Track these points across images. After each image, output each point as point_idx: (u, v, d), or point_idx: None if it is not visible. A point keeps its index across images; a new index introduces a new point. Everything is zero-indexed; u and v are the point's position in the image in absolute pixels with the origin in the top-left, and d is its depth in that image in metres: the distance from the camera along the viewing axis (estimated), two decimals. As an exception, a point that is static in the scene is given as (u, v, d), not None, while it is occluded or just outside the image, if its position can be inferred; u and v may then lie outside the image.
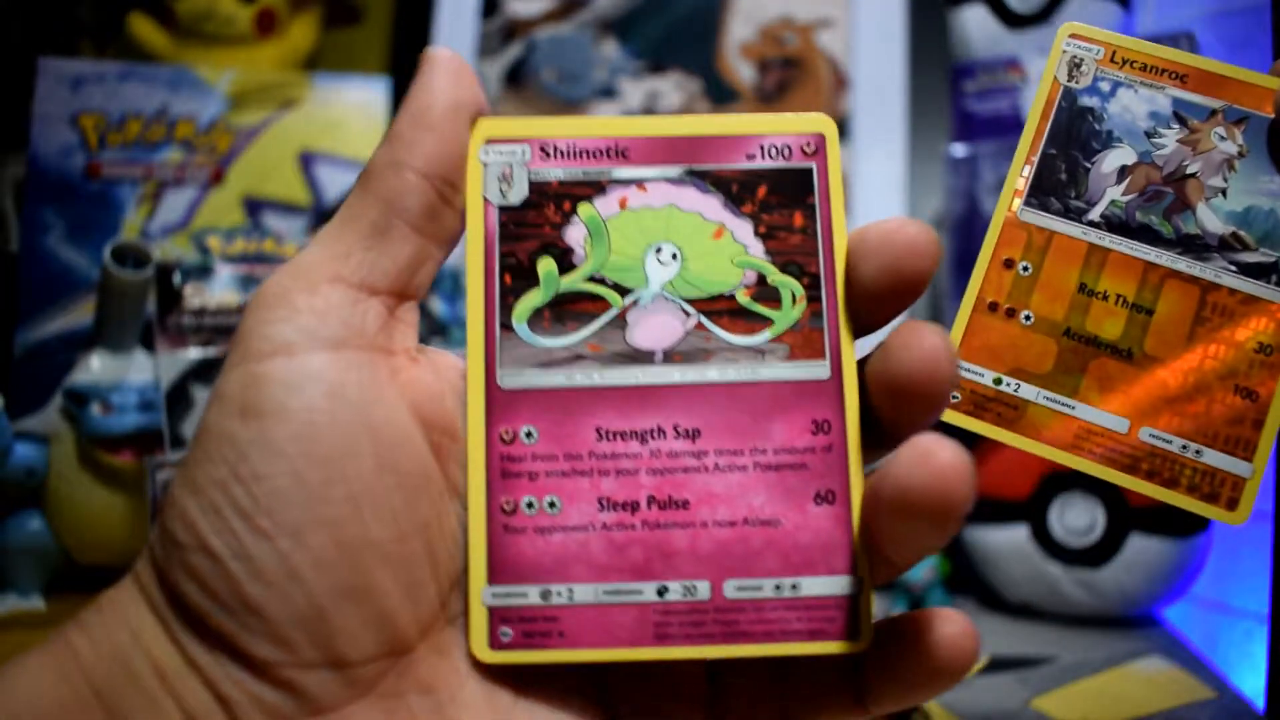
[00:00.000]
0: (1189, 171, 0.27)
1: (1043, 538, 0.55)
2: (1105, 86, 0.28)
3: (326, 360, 0.20)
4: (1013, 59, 0.65)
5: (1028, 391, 0.26)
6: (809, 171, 0.23)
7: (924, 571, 0.56)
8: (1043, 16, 0.66)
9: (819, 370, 0.22)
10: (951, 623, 0.21)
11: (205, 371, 0.51)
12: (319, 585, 0.20)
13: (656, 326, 0.22)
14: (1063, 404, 0.26)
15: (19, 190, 0.70)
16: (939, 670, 0.21)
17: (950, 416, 0.26)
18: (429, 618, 0.21)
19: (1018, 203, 0.28)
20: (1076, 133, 0.28)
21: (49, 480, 0.55)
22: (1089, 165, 0.28)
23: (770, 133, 0.23)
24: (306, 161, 0.71)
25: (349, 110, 0.72)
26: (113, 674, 0.20)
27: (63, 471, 0.55)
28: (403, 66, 0.82)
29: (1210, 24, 0.60)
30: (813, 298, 0.22)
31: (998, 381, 0.26)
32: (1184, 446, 0.26)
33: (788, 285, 0.22)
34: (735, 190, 0.22)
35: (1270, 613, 0.40)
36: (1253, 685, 0.46)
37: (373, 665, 0.21)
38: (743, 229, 0.22)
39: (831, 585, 0.21)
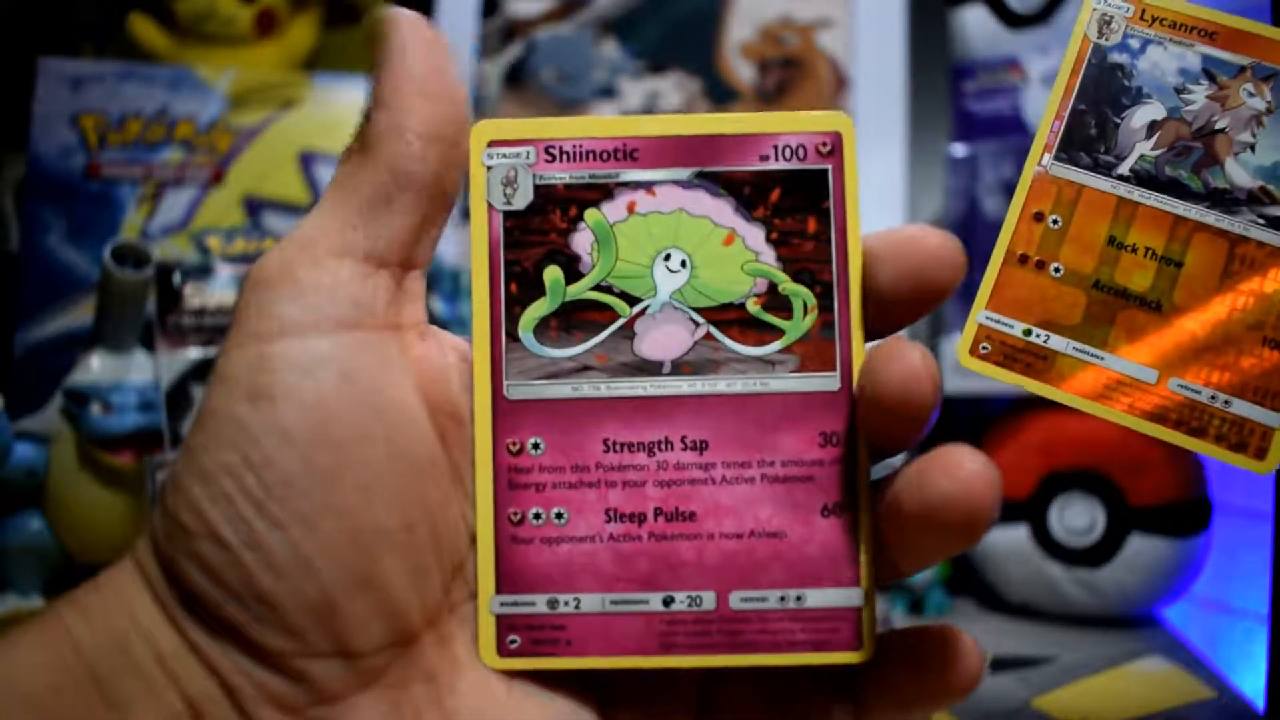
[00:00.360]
0: (1218, 127, 0.28)
1: (1043, 538, 0.55)
2: (1135, 43, 0.28)
3: (338, 342, 0.20)
4: (1013, 59, 0.65)
5: (1057, 343, 0.26)
6: (824, 174, 0.22)
7: (924, 571, 0.57)
8: (1042, 17, 0.66)
9: (829, 382, 0.22)
10: (961, 643, 0.21)
11: (205, 372, 0.51)
12: (330, 575, 0.20)
13: (665, 337, 0.22)
14: (1092, 355, 0.26)
15: (19, 190, 0.70)
16: (948, 691, 0.21)
17: (979, 367, 0.26)
18: (435, 607, 0.21)
19: (1047, 157, 0.28)
20: (1106, 89, 0.28)
21: (49, 480, 0.55)
22: (1118, 120, 0.28)
23: (785, 131, 0.22)
24: (306, 161, 0.71)
25: (349, 110, 0.72)
26: (110, 658, 0.19)
27: (63, 472, 0.55)
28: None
29: (1210, 24, 0.60)
30: (824, 307, 0.22)
31: (1027, 333, 0.26)
32: (1213, 397, 0.26)
33: (799, 295, 0.22)
34: (747, 194, 0.22)
35: (1270, 613, 0.40)
36: (1253, 685, 0.46)
37: (381, 655, 0.21)
38: (754, 235, 0.22)
39: (837, 597, 0.21)
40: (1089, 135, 0.28)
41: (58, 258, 0.65)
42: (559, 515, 0.22)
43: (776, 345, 0.22)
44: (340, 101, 0.72)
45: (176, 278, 0.51)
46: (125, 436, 0.53)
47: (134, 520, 0.54)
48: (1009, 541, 0.56)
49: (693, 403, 0.22)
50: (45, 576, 0.55)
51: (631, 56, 0.77)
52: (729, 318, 0.22)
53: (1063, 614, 0.55)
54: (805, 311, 0.22)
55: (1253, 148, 0.27)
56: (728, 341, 0.22)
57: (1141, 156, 0.28)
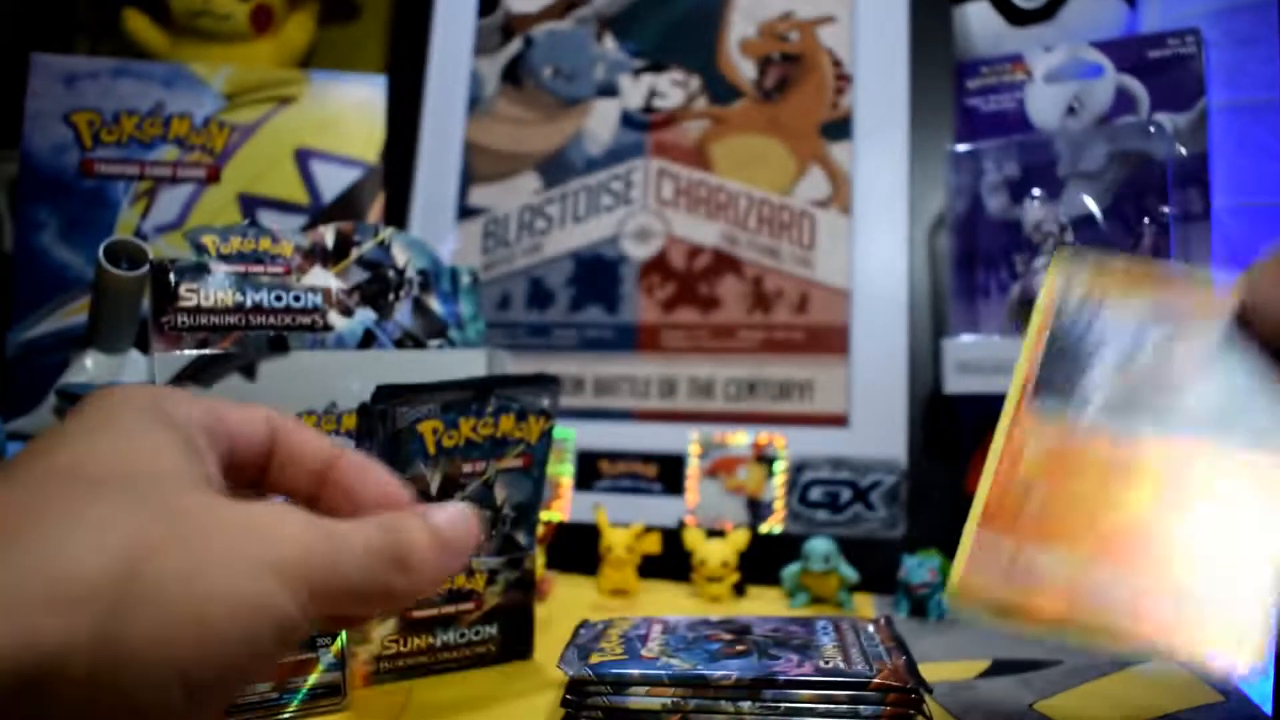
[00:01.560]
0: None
1: (1046, 539, 0.55)
2: (1087, 316, 0.34)
3: None
4: (1016, 56, 0.64)
5: None
6: None
7: (927, 573, 0.56)
8: (1046, 13, 0.65)
9: None
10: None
11: (200, 371, 0.50)
12: None
13: None
14: None
15: (12, 188, 0.69)
16: None
17: None
18: None
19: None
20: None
21: (42, 481, 0.54)
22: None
23: None
24: (303, 159, 0.70)
25: (346, 108, 0.72)
26: None
27: (56, 473, 0.54)
28: (400, 64, 0.81)
29: (1216, 20, 0.59)
30: None
31: None
32: None
33: None
34: None
35: (1275, 614, 0.39)
36: (1260, 689, 0.45)
37: None
38: None
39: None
40: None
41: (51, 256, 0.64)
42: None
43: None
44: (337, 99, 0.72)
45: (172, 277, 0.50)
46: (119, 437, 0.53)
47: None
48: (1012, 543, 0.56)
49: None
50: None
51: (631, 54, 0.76)
52: None
53: (1067, 616, 0.55)
54: None
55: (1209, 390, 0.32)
56: None
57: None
